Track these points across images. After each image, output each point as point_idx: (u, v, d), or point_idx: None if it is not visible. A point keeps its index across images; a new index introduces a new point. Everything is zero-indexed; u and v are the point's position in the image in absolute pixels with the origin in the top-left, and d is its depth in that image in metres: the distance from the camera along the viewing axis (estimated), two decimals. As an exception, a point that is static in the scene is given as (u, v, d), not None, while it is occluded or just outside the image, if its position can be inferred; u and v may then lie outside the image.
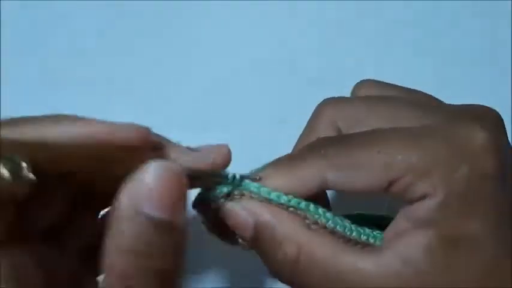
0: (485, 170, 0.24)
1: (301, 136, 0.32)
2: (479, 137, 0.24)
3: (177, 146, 0.26)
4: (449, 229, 0.23)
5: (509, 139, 0.27)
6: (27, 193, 0.21)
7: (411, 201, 0.24)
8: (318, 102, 0.31)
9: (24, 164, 0.20)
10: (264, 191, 0.26)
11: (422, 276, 0.23)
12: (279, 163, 0.27)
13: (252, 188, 0.26)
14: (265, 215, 0.26)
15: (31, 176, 0.20)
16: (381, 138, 0.25)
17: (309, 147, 0.27)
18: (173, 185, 0.20)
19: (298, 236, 0.25)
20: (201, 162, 0.25)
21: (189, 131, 0.28)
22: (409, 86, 0.32)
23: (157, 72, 0.46)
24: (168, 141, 0.26)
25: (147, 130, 0.23)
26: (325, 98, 0.31)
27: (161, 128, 0.26)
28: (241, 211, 0.26)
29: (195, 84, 0.45)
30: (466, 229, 0.23)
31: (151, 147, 0.24)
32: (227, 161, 0.26)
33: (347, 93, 0.33)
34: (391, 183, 0.24)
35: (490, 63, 0.45)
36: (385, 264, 0.24)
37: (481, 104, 0.28)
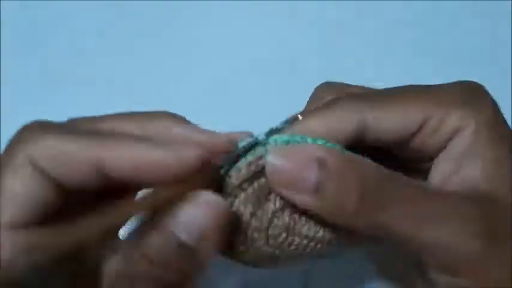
0: (497, 111, 0.27)
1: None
2: (483, 88, 0.27)
3: (181, 124, 0.27)
4: (492, 153, 0.25)
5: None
6: None
7: (441, 142, 0.26)
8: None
9: None
10: (298, 138, 0.25)
11: (488, 195, 0.25)
12: (314, 110, 0.27)
13: (284, 138, 0.26)
14: (325, 149, 0.24)
15: None
16: (411, 87, 0.27)
17: (340, 98, 0.27)
18: (215, 221, 0.23)
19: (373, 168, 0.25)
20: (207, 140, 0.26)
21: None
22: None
23: (157, 72, 0.46)
24: (175, 120, 0.27)
25: (197, 156, 0.24)
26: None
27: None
28: (299, 152, 0.25)
29: (195, 84, 0.45)
30: (504, 151, 0.25)
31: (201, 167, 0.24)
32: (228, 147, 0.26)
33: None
34: (423, 122, 0.26)
35: (490, 63, 0.45)
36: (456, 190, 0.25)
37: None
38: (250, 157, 0.26)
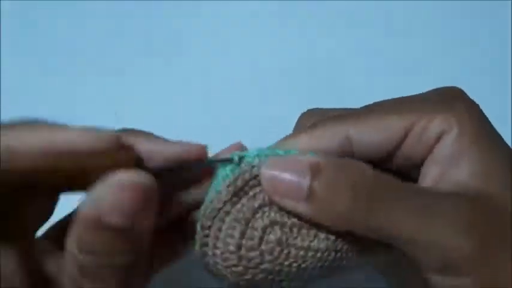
0: (479, 111, 0.27)
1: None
2: (462, 93, 0.28)
3: (149, 138, 0.26)
4: (478, 151, 0.25)
5: (510, 140, 0.28)
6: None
7: (426, 148, 0.26)
8: (322, 107, 0.31)
9: None
10: (281, 153, 0.26)
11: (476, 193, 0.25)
12: (298, 131, 0.27)
13: (269, 154, 0.26)
14: (318, 158, 0.25)
15: None
16: (392, 100, 0.27)
17: (327, 117, 0.28)
18: (132, 196, 0.22)
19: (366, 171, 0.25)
20: (176, 151, 0.26)
21: (189, 136, 0.28)
22: (409, 87, 0.32)
23: (158, 73, 0.46)
24: (139, 135, 0.26)
25: (111, 135, 0.24)
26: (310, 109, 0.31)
27: (162, 133, 0.27)
28: (293, 162, 0.25)
29: (195, 89, 0.45)
30: (491, 150, 0.26)
31: (120, 148, 0.24)
32: (201, 155, 0.26)
33: (351, 100, 0.33)
34: (407, 131, 0.26)
35: (490, 64, 0.45)
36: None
37: (481, 104, 0.28)
38: (227, 179, 0.26)
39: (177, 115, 0.44)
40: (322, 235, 0.25)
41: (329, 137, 0.26)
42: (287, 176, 0.25)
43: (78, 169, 0.23)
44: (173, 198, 0.27)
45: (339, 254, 0.26)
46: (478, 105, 0.27)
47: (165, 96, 0.45)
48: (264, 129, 0.43)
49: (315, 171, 0.24)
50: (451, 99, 0.27)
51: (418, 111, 0.26)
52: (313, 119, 0.29)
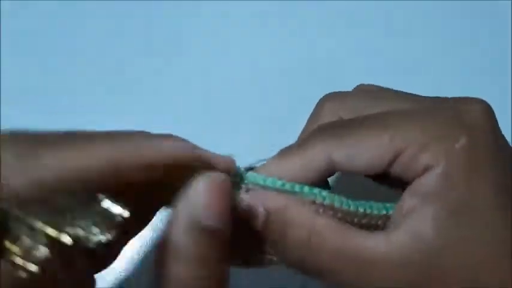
0: (484, 139, 0.24)
1: (303, 130, 0.31)
2: (476, 108, 0.25)
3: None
4: (454, 200, 0.23)
5: (509, 139, 0.27)
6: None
7: (414, 177, 0.24)
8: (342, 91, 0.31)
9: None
10: (259, 179, 0.26)
11: (433, 251, 0.23)
12: (283, 150, 0.27)
13: (251, 179, 0.26)
14: (273, 201, 0.25)
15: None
16: (384, 117, 0.26)
17: (312, 133, 0.27)
18: (222, 195, 0.22)
19: (307, 219, 0.25)
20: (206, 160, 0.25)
21: (189, 136, 0.28)
22: (409, 87, 0.32)
23: (158, 73, 0.46)
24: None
25: (193, 147, 0.24)
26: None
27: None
28: (252, 199, 0.25)
29: (195, 89, 0.45)
30: (470, 199, 0.23)
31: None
32: (228, 168, 0.26)
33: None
34: (394, 158, 0.25)
35: (490, 64, 0.45)
36: (395, 242, 0.23)
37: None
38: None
39: (176, 115, 0.44)
40: None
41: (315, 160, 0.26)
42: (249, 208, 0.25)
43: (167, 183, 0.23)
44: None
45: None
46: (490, 134, 0.25)
47: (165, 96, 0.45)
48: (264, 129, 0.43)
49: (268, 218, 0.25)
50: (451, 126, 0.24)
51: (409, 136, 0.24)
52: (332, 108, 0.29)
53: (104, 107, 0.43)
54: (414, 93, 0.28)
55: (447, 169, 0.23)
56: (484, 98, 0.28)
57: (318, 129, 0.27)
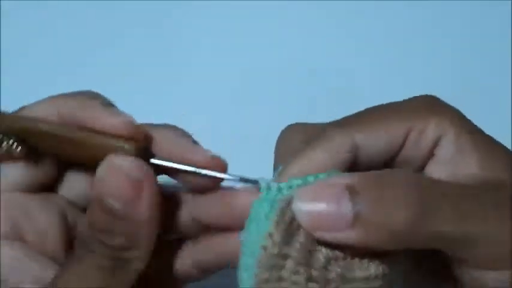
0: (460, 113, 0.27)
1: (277, 158, 0.29)
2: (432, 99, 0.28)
3: (176, 136, 0.28)
4: (472, 157, 0.26)
5: (509, 139, 0.28)
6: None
7: (428, 149, 0.26)
8: (326, 112, 0.31)
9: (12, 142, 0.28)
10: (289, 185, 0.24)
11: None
12: (297, 153, 0.26)
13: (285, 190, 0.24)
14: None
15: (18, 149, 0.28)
16: (388, 104, 0.27)
17: (319, 132, 0.27)
18: (123, 182, 0.25)
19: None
20: (197, 160, 0.27)
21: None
22: (409, 87, 0.32)
23: (158, 73, 0.46)
24: (168, 130, 0.28)
25: (130, 123, 0.27)
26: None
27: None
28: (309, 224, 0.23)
29: (195, 89, 0.45)
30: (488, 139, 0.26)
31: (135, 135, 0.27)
32: (220, 168, 0.27)
33: (351, 100, 0.33)
34: (407, 135, 0.26)
35: (490, 64, 0.45)
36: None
37: (481, 104, 0.28)
38: (271, 215, 0.23)
39: (176, 115, 0.44)
40: (375, 260, 0.23)
41: (339, 150, 0.25)
42: (323, 206, 0.22)
43: (91, 143, 0.26)
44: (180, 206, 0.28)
45: (393, 276, 0.24)
46: (457, 109, 0.27)
47: (165, 96, 0.45)
48: (264, 128, 0.43)
49: (353, 193, 0.22)
50: (433, 105, 0.27)
51: (415, 114, 0.27)
52: (299, 135, 0.28)
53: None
54: (414, 93, 0.28)
55: (458, 131, 0.26)
56: (484, 98, 0.28)
57: (329, 126, 0.27)
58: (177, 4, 0.47)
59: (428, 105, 0.27)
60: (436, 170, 0.27)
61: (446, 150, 0.26)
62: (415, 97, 0.28)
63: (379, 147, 0.26)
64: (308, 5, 0.47)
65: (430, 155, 0.27)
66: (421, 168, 0.27)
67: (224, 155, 0.27)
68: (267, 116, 0.44)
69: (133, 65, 0.46)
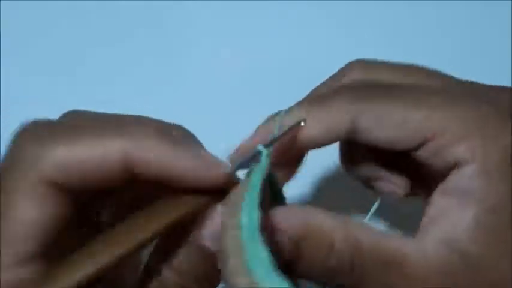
0: None
1: (321, 86, 0.28)
2: None
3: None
4: (494, 200, 0.20)
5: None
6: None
7: (442, 168, 0.22)
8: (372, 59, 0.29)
9: None
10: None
11: (470, 261, 0.20)
12: (311, 101, 0.25)
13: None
14: (292, 225, 0.21)
15: None
16: (421, 92, 0.23)
17: (337, 90, 0.24)
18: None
19: (339, 223, 0.21)
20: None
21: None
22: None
23: (158, 73, 0.46)
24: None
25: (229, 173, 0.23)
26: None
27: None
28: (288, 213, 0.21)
29: (195, 89, 0.45)
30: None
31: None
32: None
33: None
34: (423, 142, 0.22)
35: (490, 64, 0.45)
36: (426, 250, 0.20)
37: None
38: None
39: (176, 115, 0.44)
40: None
41: (338, 122, 0.23)
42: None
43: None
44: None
45: None
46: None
47: (165, 96, 0.45)
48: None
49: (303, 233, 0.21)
50: (492, 119, 0.21)
51: (445, 122, 0.21)
52: (358, 71, 0.26)
53: (105, 107, 0.43)
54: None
55: (486, 166, 0.20)
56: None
57: (344, 88, 0.24)
58: (177, 4, 0.47)
59: (479, 116, 0.21)
60: (438, 200, 0.22)
61: (459, 182, 0.21)
62: (493, 88, 0.23)
63: (381, 138, 0.23)
64: (308, 5, 0.47)
65: (443, 176, 0.22)
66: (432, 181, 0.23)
67: (224, 155, 0.27)
68: (267, 116, 0.44)
69: (133, 65, 0.46)
